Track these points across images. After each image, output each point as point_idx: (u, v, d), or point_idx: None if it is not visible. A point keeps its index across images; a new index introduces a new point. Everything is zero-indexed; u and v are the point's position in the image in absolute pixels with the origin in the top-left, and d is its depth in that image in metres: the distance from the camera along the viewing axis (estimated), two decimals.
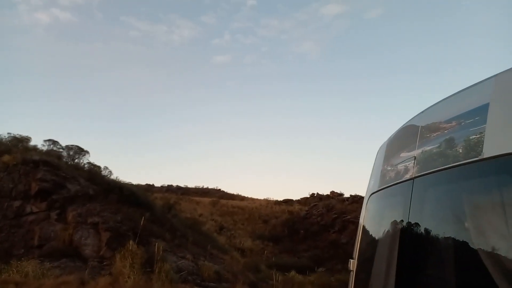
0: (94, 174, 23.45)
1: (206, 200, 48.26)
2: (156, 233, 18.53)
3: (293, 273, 21.60)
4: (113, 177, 25.74)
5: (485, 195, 1.80)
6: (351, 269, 3.10)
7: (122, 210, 18.94)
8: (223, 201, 49.76)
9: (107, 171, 26.94)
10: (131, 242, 14.55)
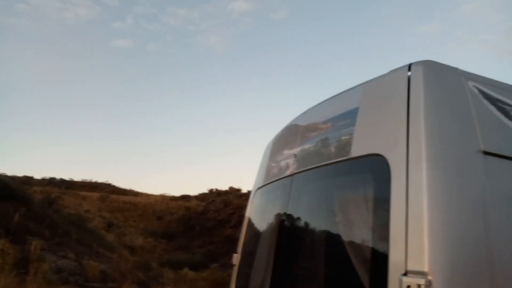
0: None
1: (94, 195, 45.05)
2: (33, 230, 16.73)
3: (186, 270, 21.40)
4: None
5: (352, 191, 1.97)
6: (234, 263, 3.15)
7: None
8: (114, 197, 47.01)
9: None
10: (2, 240, 12.93)
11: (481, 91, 1.79)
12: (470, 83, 1.79)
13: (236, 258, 3.13)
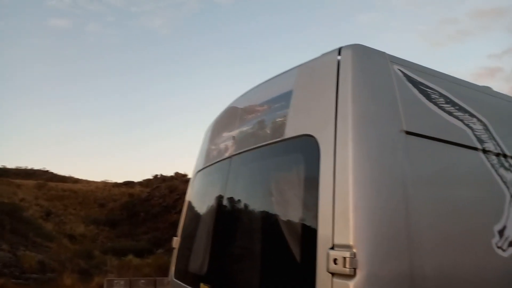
0: None
1: (30, 182, 42.33)
2: None
3: (130, 256, 20.97)
4: None
5: (286, 171, 2.02)
6: (174, 246, 3.13)
7: None
8: (52, 184, 44.48)
9: None
10: None
11: (405, 75, 1.90)
12: (396, 67, 1.89)
13: (175, 242, 3.12)
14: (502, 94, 2.39)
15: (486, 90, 2.32)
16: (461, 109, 1.98)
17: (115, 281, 13.86)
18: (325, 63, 1.91)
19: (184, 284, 2.71)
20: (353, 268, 1.42)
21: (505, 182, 1.94)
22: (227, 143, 2.60)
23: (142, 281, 15.04)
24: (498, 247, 1.78)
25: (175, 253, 3.12)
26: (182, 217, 3.18)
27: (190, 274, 2.73)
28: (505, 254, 1.79)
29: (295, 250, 1.74)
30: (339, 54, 1.85)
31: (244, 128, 2.42)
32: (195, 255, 2.72)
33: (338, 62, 1.82)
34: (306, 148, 1.82)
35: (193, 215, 3.01)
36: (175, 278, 2.94)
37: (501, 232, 1.81)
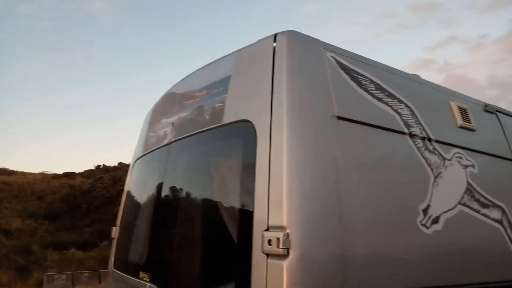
0: None
1: None
2: None
3: (73, 250, 20.13)
4: None
5: (224, 157, 2.02)
6: (113, 236, 3.04)
7: None
8: None
9: None
10: None
11: (338, 62, 1.96)
12: (329, 54, 1.95)
13: (114, 232, 3.03)
14: (429, 82, 2.54)
15: (414, 78, 2.46)
16: (390, 95, 2.08)
17: (56, 276, 13.26)
18: (261, 49, 1.92)
19: (123, 274, 2.65)
20: (286, 248, 1.46)
21: (429, 164, 2.08)
22: (165, 130, 2.54)
23: (86, 274, 14.52)
24: (423, 225, 1.91)
25: (114, 243, 3.03)
26: (121, 207, 3.09)
27: (129, 264, 2.66)
28: (428, 231, 1.92)
29: (233, 234, 1.76)
30: (274, 40, 1.87)
31: (183, 114, 2.38)
32: (134, 244, 2.66)
33: (274, 48, 1.83)
34: (244, 134, 1.83)
35: (132, 204, 2.93)
36: (115, 268, 2.86)
37: (425, 211, 1.94)
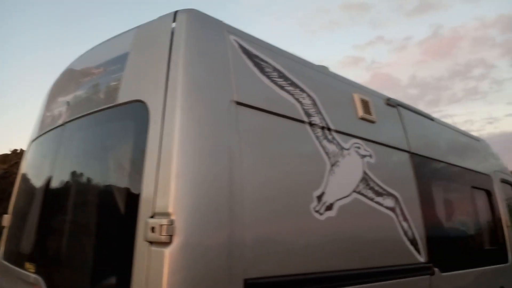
0: None
1: None
2: None
3: None
4: None
5: (117, 139, 1.90)
6: (4, 225, 2.77)
7: None
8: None
9: None
10: None
11: (241, 46, 1.92)
12: (232, 37, 1.90)
13: (6, 219, 2.75)
14: (336, 74, 2.61)
15: (322, 69, 2.51)
16: (292, 84, 2.10)
17: None
18: (161, 27, 1.82)
19: (10, 265, 2.42)
20: (169, 236, 1.40)
21: (327, 153, 2.13)
22: (61, 109, 2.34)
23: None
24: (316, 211, 1.95)
25: (5, 232, 2.76)
26: (14, 193, 2.82)
27: (17, 254, 2.44)
28: (321, 218, 1.97)
29: (119, 221, 1.66)
30: (175, 18, 1.78)
31: (79, 93, 2.20)
32: (23, 233, 2.43)
33: (173, 27, 1.75)
34: (137, 114, 1.73)
35: (25, 189, 2.68)
36: (3, 259, 2.61)
37: (319, 198, 1.99)
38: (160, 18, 1.85)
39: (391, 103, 2.92)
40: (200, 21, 1.81)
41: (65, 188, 2.09)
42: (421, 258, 2.60)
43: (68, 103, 2.27)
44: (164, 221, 1.41)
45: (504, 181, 4.36)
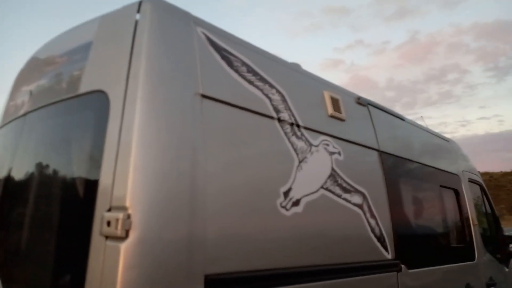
0: None
1: None
2: None
3: None
4: None
5: (78, 130, 1.84)
6: None
7: None
8: None
9: None
10: None
11: (208, 39, 1.89)
12: (199, 29, 1.87)
13: None
14: (307, 72, 2.60)
15: (293, 67, 2.49)
16: (262, 79, 2.08)
17: None
18: (124, 16, 1.77)
19: None
20: (126, 230, 1.36)
21: (295, 149, 2.12)
22: (23, 99, 2.26)
23: None
24: (282, 207, 1.94)
25: None
26: None
27: None
28: (288, 213, 1.97)
29: (77, 214, 1.61)
30: (139, 8, 1.73)
31: (42, 82, 2.13)
32: None
33: (137, 16, 1.70)
34: (98, 105, 1.68)
35: None
36: None
37: (286, 193, 1.98)
38: (125, 7, 1.80)
39: (362, 102, 2.93)
40: (165, 11, 1.77)
41: (24, 181, 2.01)
42: (389, 255, 2.63)
43: (30, 92, 2.19)
44: (120, 215, 1.37)
45: (472, 181, 4.46)
